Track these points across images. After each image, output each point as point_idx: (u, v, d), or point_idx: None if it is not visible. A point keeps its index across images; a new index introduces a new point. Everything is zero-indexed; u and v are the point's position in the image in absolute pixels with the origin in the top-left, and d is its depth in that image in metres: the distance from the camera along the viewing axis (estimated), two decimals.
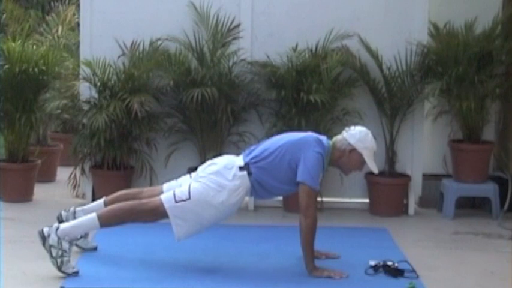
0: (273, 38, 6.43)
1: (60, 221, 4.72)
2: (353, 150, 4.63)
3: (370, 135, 4.70)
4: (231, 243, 5.20)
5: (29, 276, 4.45)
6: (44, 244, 4.44)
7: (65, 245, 4.42)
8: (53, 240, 4.41)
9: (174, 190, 4.57)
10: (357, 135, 4.65)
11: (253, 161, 4.58)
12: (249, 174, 4.54)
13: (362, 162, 4.66)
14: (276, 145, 4.62)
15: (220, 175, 4.54)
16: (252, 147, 4.76)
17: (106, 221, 4.53)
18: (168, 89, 6.37)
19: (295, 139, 4.64)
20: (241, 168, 4.55)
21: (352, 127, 4.74)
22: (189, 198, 4.49)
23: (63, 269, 4.38)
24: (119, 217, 4.54)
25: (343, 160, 4.66)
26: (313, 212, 4.47)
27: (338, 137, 4.70)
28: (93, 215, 4.55)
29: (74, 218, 4.69)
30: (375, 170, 4.70)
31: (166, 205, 4.49)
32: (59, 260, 4.38)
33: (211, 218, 4.55)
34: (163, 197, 4.55)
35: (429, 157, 6.70)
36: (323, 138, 4.67)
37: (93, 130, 6.07)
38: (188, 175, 4.77)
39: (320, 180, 4.60)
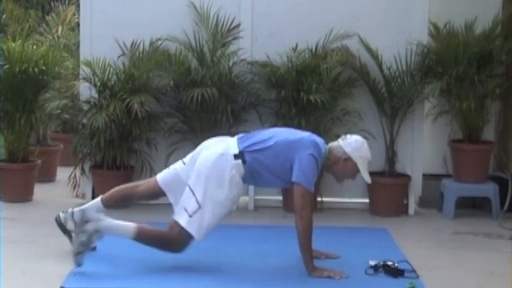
0: (273, 38, 6.43)
1: (59, 223, 4.75)
2: (348, 159, 4.62)
3: (365, 145, 4.69)
4: (231, 243, 5.20)
5: (29, 276, 4.45)
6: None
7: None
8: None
9: (183, 207, 4.56)
10: (353, 143, 4.64)
11: (248, 149, 4.58)
12: (244, 162, 4.55)
13: (356, 171, 4.66)
14: (272, 140, 4.60)
15: (216, 168, 4.53)
16: (248, 135, 4.75)
17: (141, 237, 4.58)
18: (168, 89, 6.38)
19: (292, 139, 4.62)
20: (235, 157, 4.55)
21: (349, 135, 4.73)
22: (199, 207, 4.51)
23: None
24: (152, 242, 4.62)
25: (338, 167, 4.66)
26: (308, 213, 4.46)
27: (334, 144, 4.69)
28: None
29: (73, 218, 4.72)
30: (368, 180, 4.71)
31: (188, 229, 4.51)
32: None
33: (222, 214, 4.59)
34: (180, 220, 4.54)
35: (429, 157, 6.70)
36: (321, 142, 4.65)
37: (93, 130, 6.07)
38: (180, 161, 4.76)
39: (315, 181, 4.60)
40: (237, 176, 4.54)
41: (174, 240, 4.54)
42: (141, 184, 4.94)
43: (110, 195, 4.88)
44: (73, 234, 4.60)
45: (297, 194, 4.48)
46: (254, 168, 4.57)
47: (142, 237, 4.57)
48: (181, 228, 4.51)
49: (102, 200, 4.87)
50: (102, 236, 4.59)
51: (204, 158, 4.62)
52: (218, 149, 4.62)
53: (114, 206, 4.90)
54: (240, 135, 4.78)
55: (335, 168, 4.67)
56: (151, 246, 4.60)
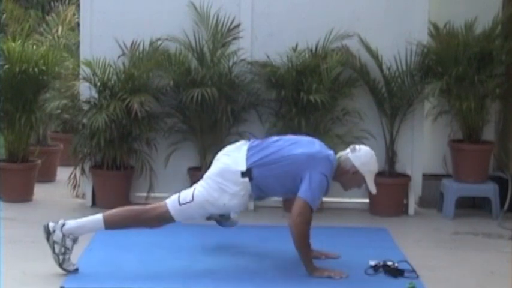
0: (273, 38, 6.43)
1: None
2: (356, 172, 4.61)
3: (374, 158, 4.67)
4: (231, 243, 5.20)
5: (29, 276, 4.45)
6: (48, 239, 4.46)
7: (69, 243, 4.44)
8: (57, 236, 4.43)
9: (179, 193, 4.58)
10: (362, 158, 4.61)
11: (257, 164, 4.53)
12: (251, 179, 4.52)
13: (362, 182, 4.67)
14: (283, 153, 4.56)
15: (222, 177, 4.53)
16: (260, 146, 4.64)
17: (111, 224, 4.54)
18: (168, 89, 6.37)
19: (305, 153, 4.54)
20: (243, 174, 4.51)
21: (357, 147, 4.68)
22: (192, 200, 4.51)
23: (64, 266, 4.42)
24: (124, 221, 4.56)
25: (345, 178, 4.65)
26: (302, 219, 4.42)
27: (343, 155, 4.65)
28: (99, 216, 4.54)
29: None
30: (374, 192, 4.68)
31: (171, 210, 4.51)
32: (61, 257, 4.41)
33: (216, 213, 4.62)
34: (168, 201, 4.56)
35: (429, 157, 6.70)
36: (331, 154, 4.60)
37: (93, 130, 6.07)
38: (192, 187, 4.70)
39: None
40: (241, 192, 4.52)
41: (156, 216, 4.54)
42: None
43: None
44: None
45: (298, 205, 4.45)
46: (262, 183, 4.55)
47: (113, 225, 4.54)
48: (170, 215, 4.52)
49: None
50: (75, 239, 4.49)
51: (212, 169, 4.63)
52: (227, 161, 4.60)
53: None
54: (253, 143, 4.68)
55: (342, 178, 4.67)
56: (128, 228, 4.59)
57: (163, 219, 4.55)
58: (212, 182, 4.54)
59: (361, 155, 4.63)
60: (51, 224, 4.49)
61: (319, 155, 4.55)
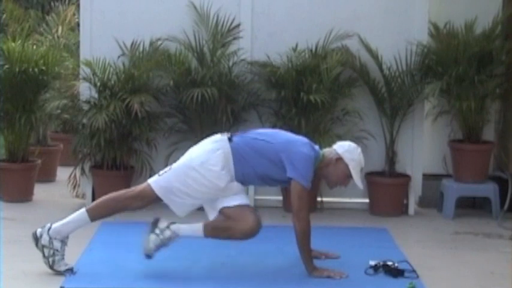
0: (273, 38, 6.43)
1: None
2: (339, 160, 4.58)
3: (359, 150, 4.65)
4: (231, 243, 5.19)
5: (29, 276, 4.45)
6: (37, 245, 4.48)
7: (57, 244, 4.45)
8: (44, 240, 4.45)
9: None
10: (345, 146, 4.63)
11: (238, 133, 4.66)
12: (230, 140, 4.55)
13: (348, 175, 4.58)
14: (263, 135, 4.61)
15: (200, 144, 4.64)
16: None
17: (95, 213, 4.54)
18: (168, 89, 6.38)
19: (284, 138, 4.62)
20: (222, 137, 4.61)
21: (343, 141, 4.75)
22: (170, 169, 4.55)
23: (55, 267, 4.42)
24: (107, 208, 4.55)
25: (329, 169, 4.60)
26: (305, 215, 4.44)
27: (328, 148, 4.69)
28: (82, 209, 4.55)
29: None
30: (360, 185, 4.62)
31: (152, 183, 4.53)
32: (50, 259, 4.42)
33: (196, 185, 4.47)
34: (150, 179, 4.61)
35: (429, 157, 6.70)
36: (315, 145, 4.65)
37: (93, 130, 6.08)
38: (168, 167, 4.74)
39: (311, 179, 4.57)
40: (219, 150, 4.51)
41: (137, 193, 4.54)
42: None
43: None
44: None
45: (293, 194, 4.45)
46: (241, 148, 4.52)
47: (97, 213, 4.54)
48: (151, 189, 4.53)
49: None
50: (63, 239, 4.49)
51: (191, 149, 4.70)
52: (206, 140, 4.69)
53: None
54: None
55: (326, 170, 4.60)
56: (113, 214, 4.62)
57: (145, 196, 4.53)
58: (189, 152, 4.62)
59: (345, 145, 4.66)
60: (38, 230, 4.51)
61: (298, 140, 4.61)
